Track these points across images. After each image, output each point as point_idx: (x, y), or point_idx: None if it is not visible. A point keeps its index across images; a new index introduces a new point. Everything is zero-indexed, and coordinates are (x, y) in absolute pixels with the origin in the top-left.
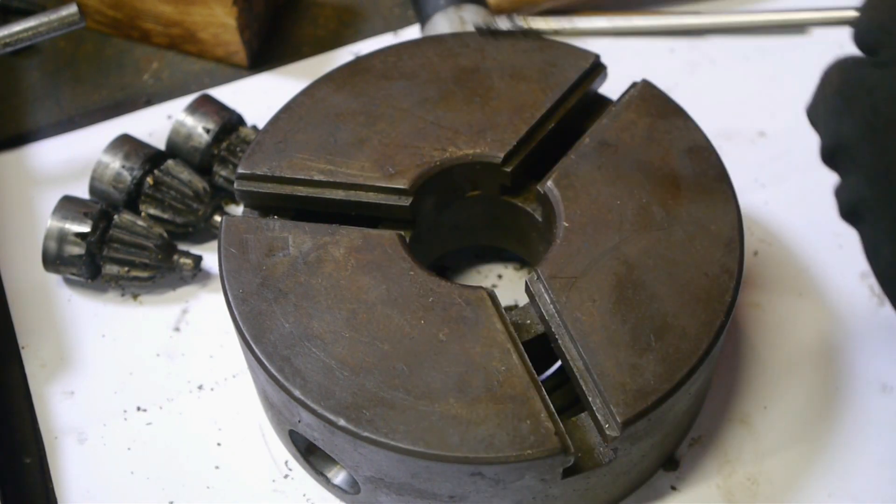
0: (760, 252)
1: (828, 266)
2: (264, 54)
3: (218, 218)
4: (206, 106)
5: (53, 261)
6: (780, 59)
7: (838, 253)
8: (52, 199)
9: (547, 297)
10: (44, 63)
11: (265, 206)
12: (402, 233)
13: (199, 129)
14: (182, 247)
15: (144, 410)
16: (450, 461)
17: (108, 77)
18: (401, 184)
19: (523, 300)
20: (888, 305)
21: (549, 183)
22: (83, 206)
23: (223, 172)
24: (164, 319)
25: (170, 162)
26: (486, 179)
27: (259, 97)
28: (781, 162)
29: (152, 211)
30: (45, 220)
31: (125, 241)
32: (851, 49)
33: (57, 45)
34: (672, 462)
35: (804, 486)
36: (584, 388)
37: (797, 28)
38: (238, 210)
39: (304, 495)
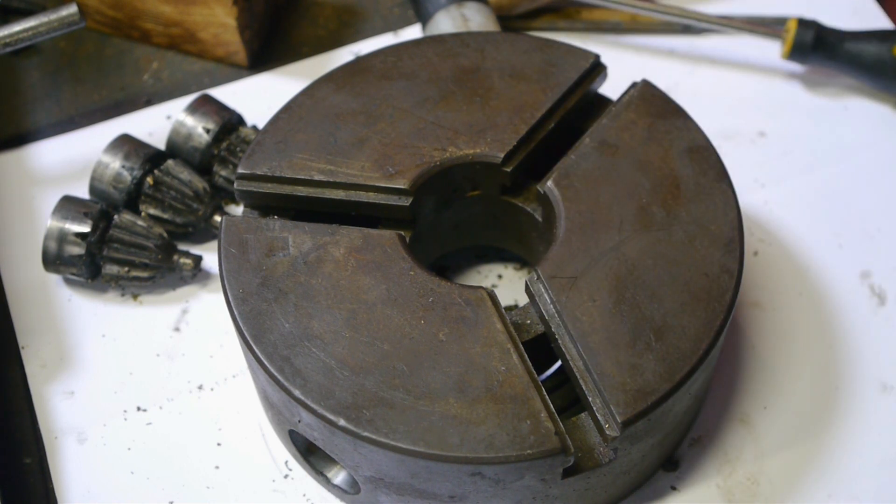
0: (760, 252)
1: (828, 266)
2: (264, 54)
3: (218, 218)
4: (206, 106)
5: (53, 261)
6: (781, 58)
7: (838, 253)
8: (52, 199)
9: (547, 297)
10: (44, 63)
11: (265, 206)
12: (402, 233)
13: (199, 129)
14: (182, 247)
15: (144, 410)
16: (450, 461)
17: (108, 77)
18: (401, 184)
19: (523, 300)
20: (888, 305)
21: (549, 183)
22: (83, 206)
23: (223, 172)
24: (164, 319)
25: (170, 162)
26: (486, 179)
27: (259, 97)
28: (781, 162)
29: (152, 211)
30: (45, 220)
31: (125, 241)
32: None
33: (57, 45)
34: (672, 462)
35: (804, 486)
36: (584, 388)
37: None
38: (238, 210)
39: (304, 495)
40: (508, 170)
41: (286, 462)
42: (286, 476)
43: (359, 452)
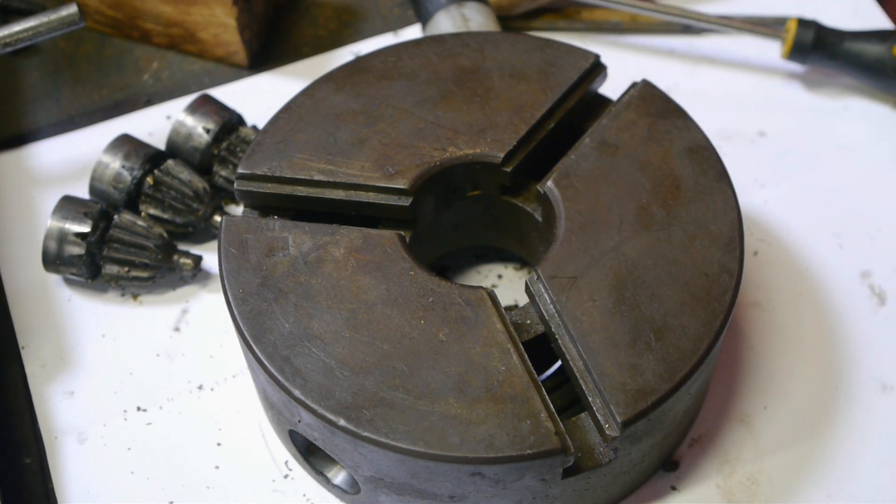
0: (760, 252)
1: (828, 266)
2: (264, 54)
3: (218, 218)
4: (206, 106)
5: (53, 261)
6: (781, 58)
7: (838, 253)
8: (52, 199)
9: (547, 297)
10: (44, 63)
11: (265, 206)
12: (402, 233)
13: (199, 129)
14: (182, 247)
15: (144, 410)
16: (450, 461)
17: (108, 77)
18: (401, 184)
19: (523, 300)
20: (888, 305)
21: (549, 183)
22: (83, 206)
23: (223, 172)
24: (164, 319)
25: (170, 162)
26: (486, 179)
27: (259, 97)
28: (781, 162)
29: (152, 211)
30: (45, 220)
31: (125, 241)
32: None
33: (57, 45)
34: (672, 462)
35: (804, 486)
36: (584, 388)
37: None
38: (238, 210)
39: (304, 495)
40: (508, 170)
41: (286, 462)
42: (286, 476)
43: (359, 452)
